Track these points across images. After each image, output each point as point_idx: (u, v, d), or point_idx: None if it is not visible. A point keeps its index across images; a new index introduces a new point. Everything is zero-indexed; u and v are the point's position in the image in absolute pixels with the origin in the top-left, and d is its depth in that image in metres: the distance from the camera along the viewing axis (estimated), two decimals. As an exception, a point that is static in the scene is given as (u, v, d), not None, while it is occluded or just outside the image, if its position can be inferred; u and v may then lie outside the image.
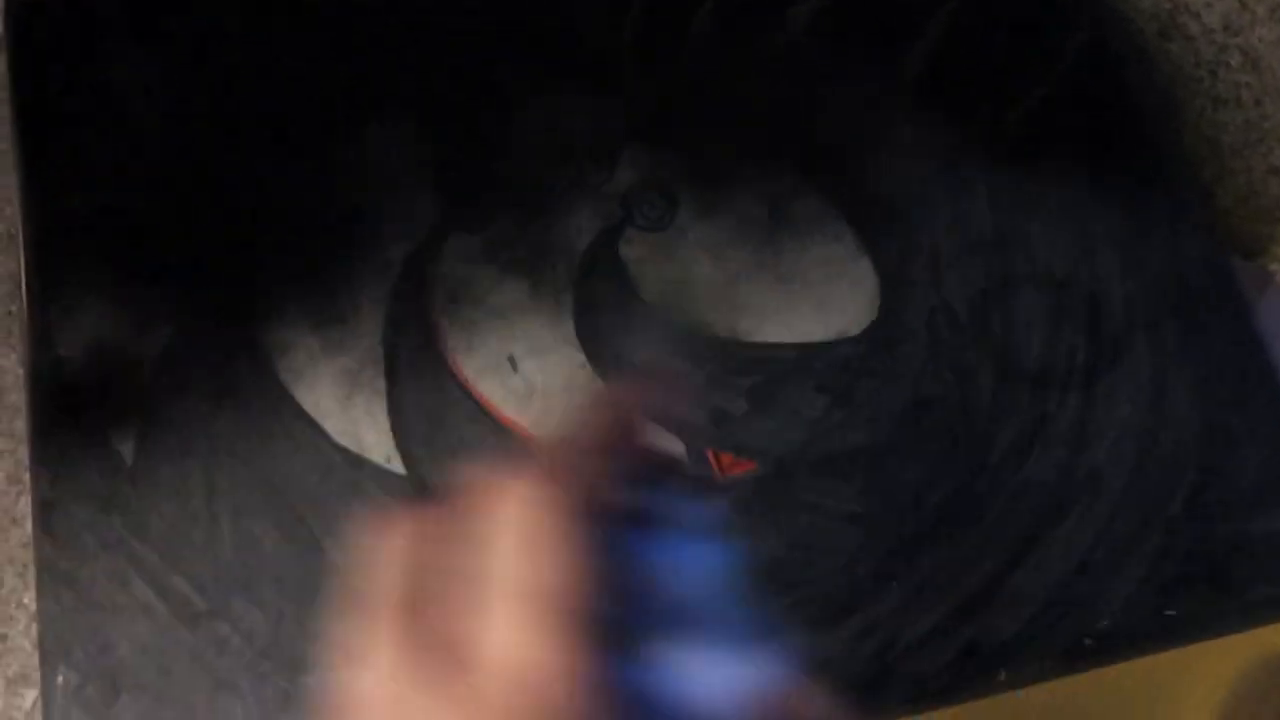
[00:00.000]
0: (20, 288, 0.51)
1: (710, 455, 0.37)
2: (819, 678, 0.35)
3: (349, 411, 0.37)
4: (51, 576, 0.35)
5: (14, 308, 0.50)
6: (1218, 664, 0.36)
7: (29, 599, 0.45)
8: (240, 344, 0.37)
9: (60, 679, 0.33)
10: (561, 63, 0.41)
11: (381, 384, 0.37)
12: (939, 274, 0.39)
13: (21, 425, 0.48)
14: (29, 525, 0.47)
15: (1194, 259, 0.40)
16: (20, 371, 0.49)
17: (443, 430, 0.37)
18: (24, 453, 0.48)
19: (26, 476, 0.47)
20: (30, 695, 0.43)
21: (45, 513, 0.36)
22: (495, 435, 0.37)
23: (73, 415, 0.37)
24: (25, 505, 0.46)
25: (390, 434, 0.36)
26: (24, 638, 0.44)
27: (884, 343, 0.38)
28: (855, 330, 0.39)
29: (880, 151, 0.41)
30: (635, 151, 0.40)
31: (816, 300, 0.39)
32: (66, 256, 0.39)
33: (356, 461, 0.36)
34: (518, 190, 0.40)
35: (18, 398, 0.48)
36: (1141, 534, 0.36)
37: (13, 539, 0.46)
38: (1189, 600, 0.36)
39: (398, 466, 0.36)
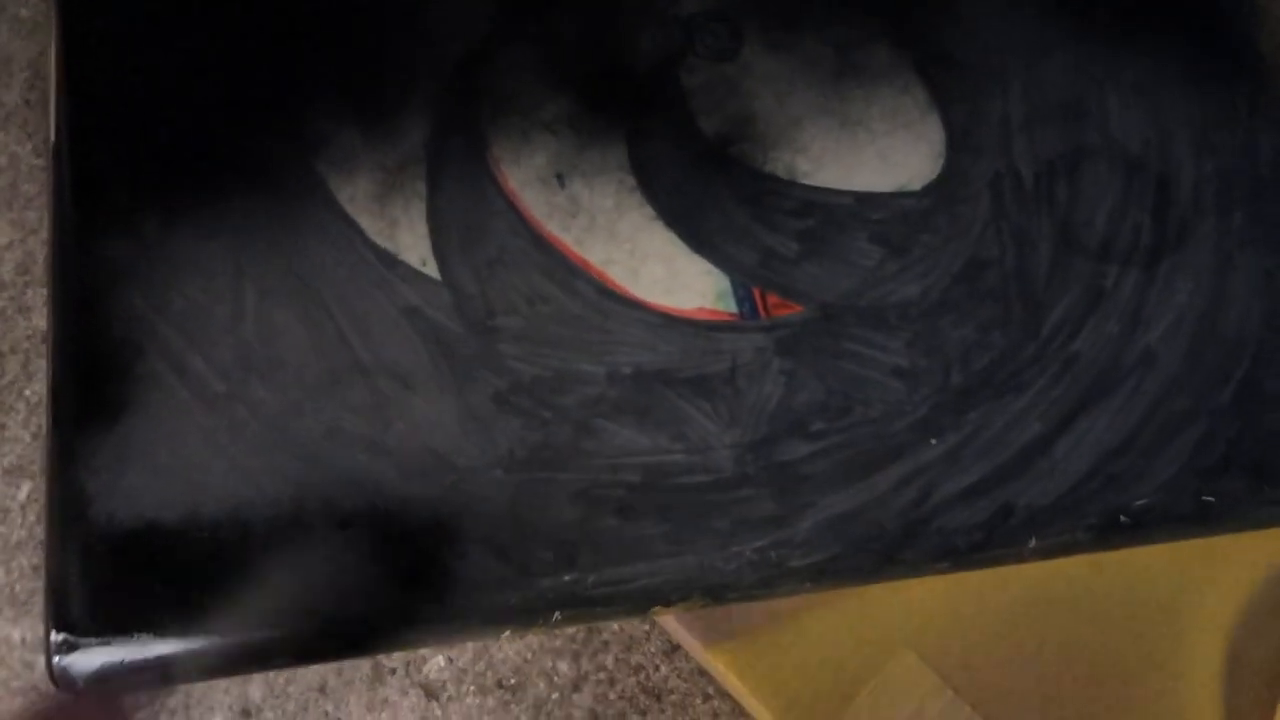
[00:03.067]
0: (40, 76, 0.49)
1: (756, 294, 0.35)
2: (849, 527, 0.34)
3: (386, 210, 0.35)
4: (66, 348, 0.33)
5: (31, 96, 0.48)
6: (1251, 552, 0.35)
7: (30, 391, 0.43)
8: (277, 129, 0.36)
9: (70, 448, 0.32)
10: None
11: (422, 187, 0.36)
12: (1008, 137, 0.38)
13: (33, 216, 0.46)
14: (35, 318, 0.45)
15: (1268, 149, 0.38)
16: (36, 162, 0.47)
17: (481, 239, 0.35)
18: (34, 244, 0.46)
19: (36, 268, 0.46)
20: (26, 486, 0.42)
21: (62, 285, 0.34)
22: (535, 249, 0.35)
23: (95, 191, 0.35)
24: (33, 297, 0.44)
25: (427, 237, 0.35)
26: (23, 429, 0.43)
27: (945, 200, 0.37)
28: (917, 185, 0.37)
29: (958, 6, 0.39)
30: (706, -23, 0.38)
31: (879, 150, 0.37)
32: (99, 39, 0.37)
33: (390, 260, 0.34)
34: (578, 5, 0.38)
35: (30, 188, 0.46)
36: (1189, 418, 0.35)
37: (19, 329, 0.44)
38: (1229, 488, 0.35)
39: (432, 271, 0.35)
